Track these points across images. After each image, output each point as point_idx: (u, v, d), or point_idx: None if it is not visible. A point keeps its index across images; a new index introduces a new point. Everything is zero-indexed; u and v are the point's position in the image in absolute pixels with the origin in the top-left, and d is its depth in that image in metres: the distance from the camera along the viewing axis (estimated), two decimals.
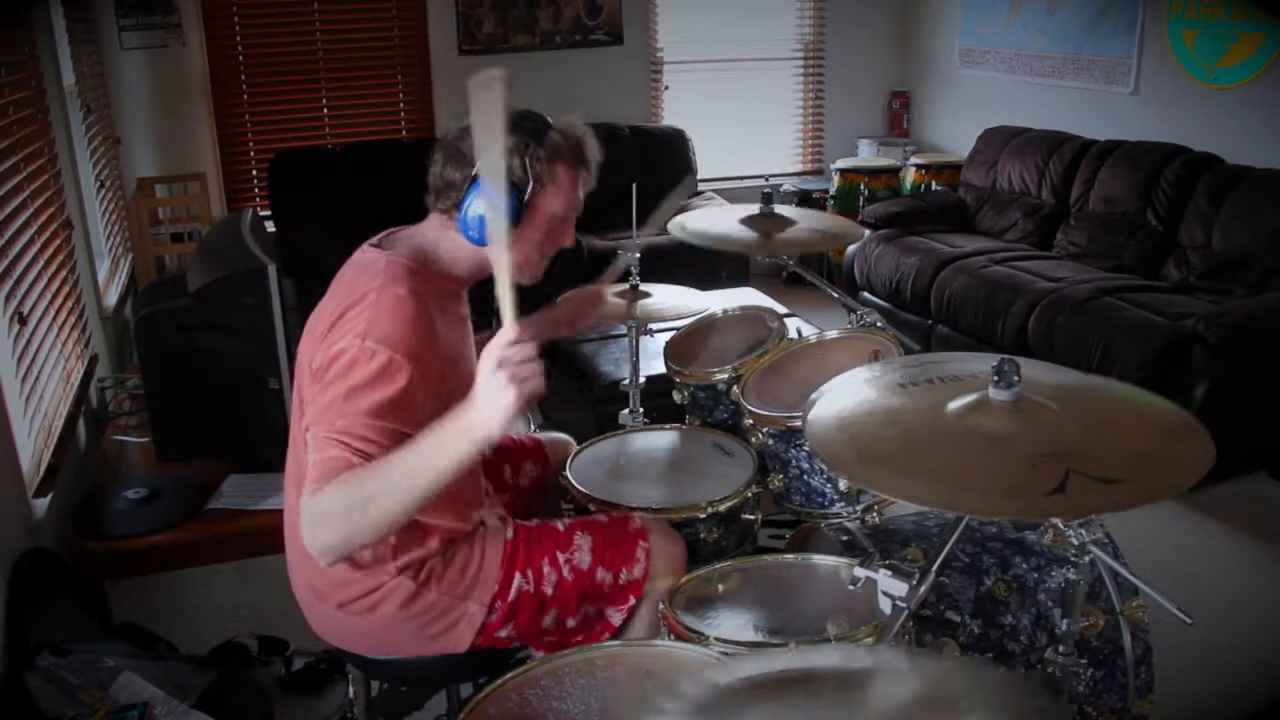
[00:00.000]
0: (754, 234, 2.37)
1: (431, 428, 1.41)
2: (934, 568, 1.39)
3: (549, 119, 1.63)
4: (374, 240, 1.69)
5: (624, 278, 2.59)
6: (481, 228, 1.58)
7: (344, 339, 1.48)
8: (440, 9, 5.43)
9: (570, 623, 1.73)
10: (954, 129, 5.96)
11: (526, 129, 1.59)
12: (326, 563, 1.45)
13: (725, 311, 2.60)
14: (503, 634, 1.70)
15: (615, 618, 1.73)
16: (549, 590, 1.69)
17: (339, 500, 1.40)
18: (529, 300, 1.55)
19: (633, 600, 1.72)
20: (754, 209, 2.45)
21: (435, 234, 1.67)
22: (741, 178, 6.12)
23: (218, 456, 2.64)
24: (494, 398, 1.34)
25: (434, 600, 1.65)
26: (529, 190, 1.59)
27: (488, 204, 1.52)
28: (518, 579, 1.68)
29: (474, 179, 1.58)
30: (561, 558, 1.70)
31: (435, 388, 1.53)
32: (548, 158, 1.60)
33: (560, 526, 1.77)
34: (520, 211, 1.59)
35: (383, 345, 1.47)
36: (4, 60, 2.76)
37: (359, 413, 1.44)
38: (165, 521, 2.40)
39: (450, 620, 1.67)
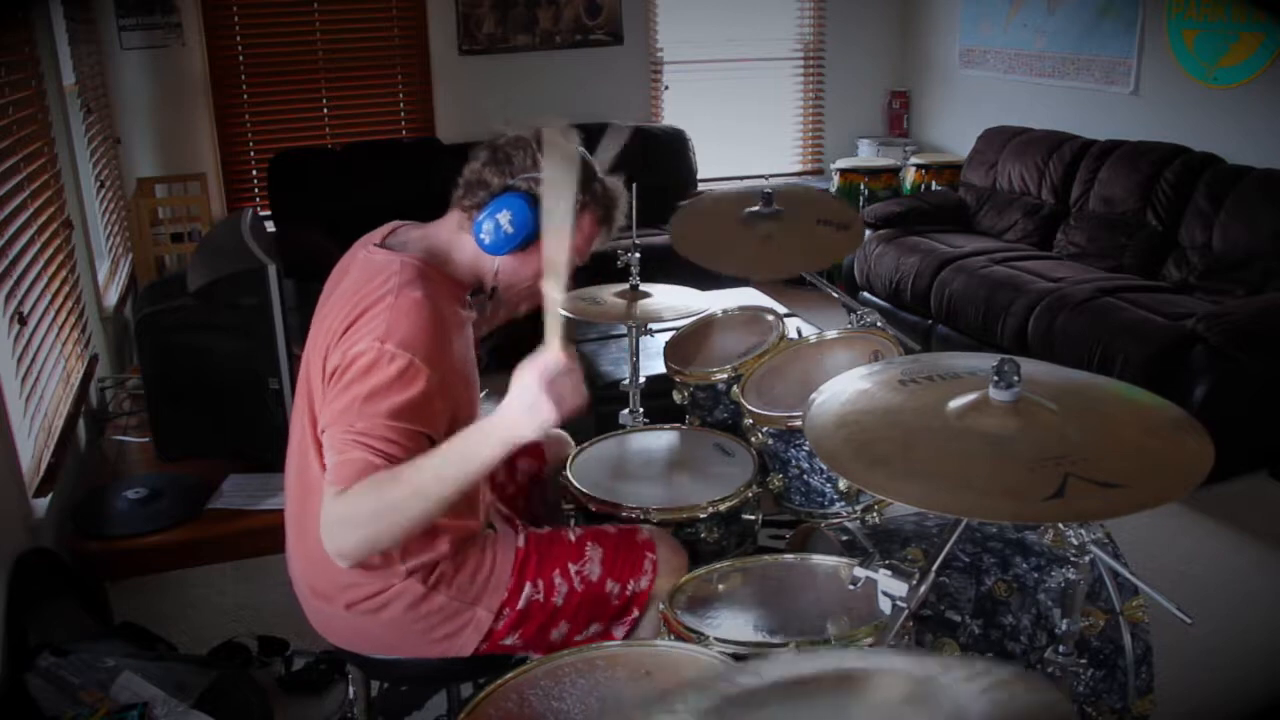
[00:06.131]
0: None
1: (456, 433, 1.48)
2: (934, 568, 1.38)
3: (598, 170, 1.68)
4: (377, 239, 1.69)
5: (624, 277, 2.58)
6: (495, 235, 1.59)
7: (362, 341, 1.49)
8: (440, 9, 5.43)
9: (577, 638, 1.72)
10: (954, 129, 5.96)
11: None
12: (345, 564, 1.47)
13: (725, 311, 2.60)
14: (508, 641, 1.70)
15: (619, 632, 1.73)
16: (558, 601, 1.70)
17: (367, 503, 1.42)
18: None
19: (636, 613, 1.73)
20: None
21: (449, 235, 1.67)
22: (741, 178, 6.12)
23: (218, 456, 2.64)
24: (532, 409, 1.42)
25: (442, 604, 1.65)
26: None
27: (510, 219, 1.58)
28: (528, 588, 1.69)
29: (506, 189, 1.60)
30: (573, 569, 1.71)
31: (447, 390, 1.54)
32: (582, 202, 1.63)
33: (571, 537, 1.77)
34: (534, 239, 1.61)
35: (402, 349, 1.48)
36: (4, 60, 2.75)
37: (379, 415, 1.45)
38: (165, 521, 2.39)
39: (458, 624, 1.67)
